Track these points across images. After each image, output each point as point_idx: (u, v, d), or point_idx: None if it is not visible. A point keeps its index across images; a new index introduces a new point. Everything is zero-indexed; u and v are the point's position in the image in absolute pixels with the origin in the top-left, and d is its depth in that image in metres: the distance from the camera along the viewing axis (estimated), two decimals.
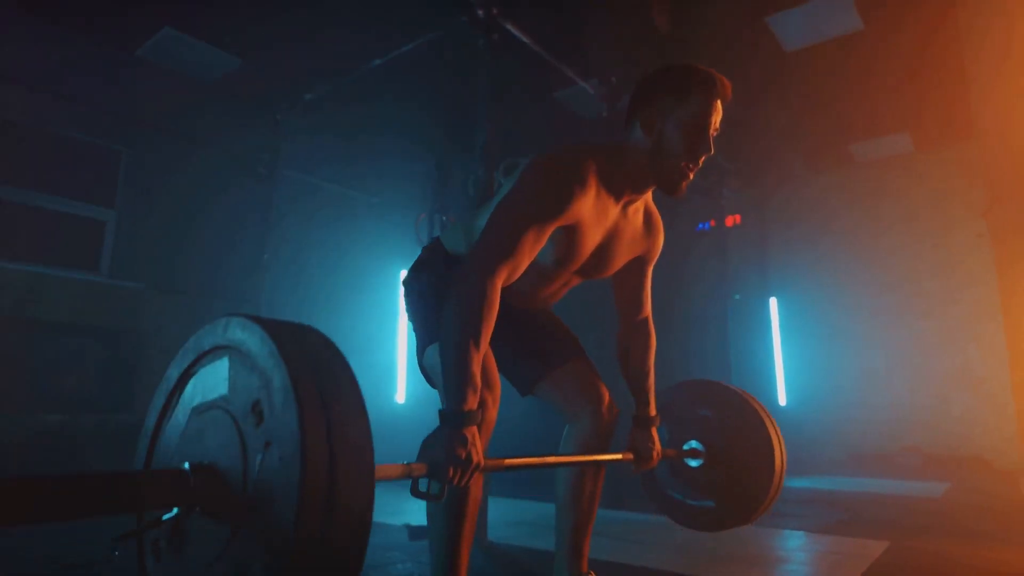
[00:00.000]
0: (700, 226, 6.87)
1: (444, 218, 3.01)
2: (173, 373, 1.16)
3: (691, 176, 1.35)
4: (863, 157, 6.55)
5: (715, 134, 1.34)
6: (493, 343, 1.51)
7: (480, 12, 3.08)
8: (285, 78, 4.37)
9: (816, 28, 4.52)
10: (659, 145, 1.33)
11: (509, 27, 3.21)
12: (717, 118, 1.34)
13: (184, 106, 4.90)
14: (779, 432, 1.79)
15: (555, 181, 1.30)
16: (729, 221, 6.50)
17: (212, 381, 1.07)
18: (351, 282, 5.60)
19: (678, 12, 4.06)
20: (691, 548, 2.64)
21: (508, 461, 1.27)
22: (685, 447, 1.84)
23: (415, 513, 3.42)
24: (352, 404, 0.94)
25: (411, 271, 1.61)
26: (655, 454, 1.65)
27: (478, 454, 1.18)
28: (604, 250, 1.49)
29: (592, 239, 1.43)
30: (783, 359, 6.49)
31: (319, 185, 5.88)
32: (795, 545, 2.73)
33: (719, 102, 1.34)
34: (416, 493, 1.18)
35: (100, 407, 4.60)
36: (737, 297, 5.97)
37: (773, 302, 6.61)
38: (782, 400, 6.35)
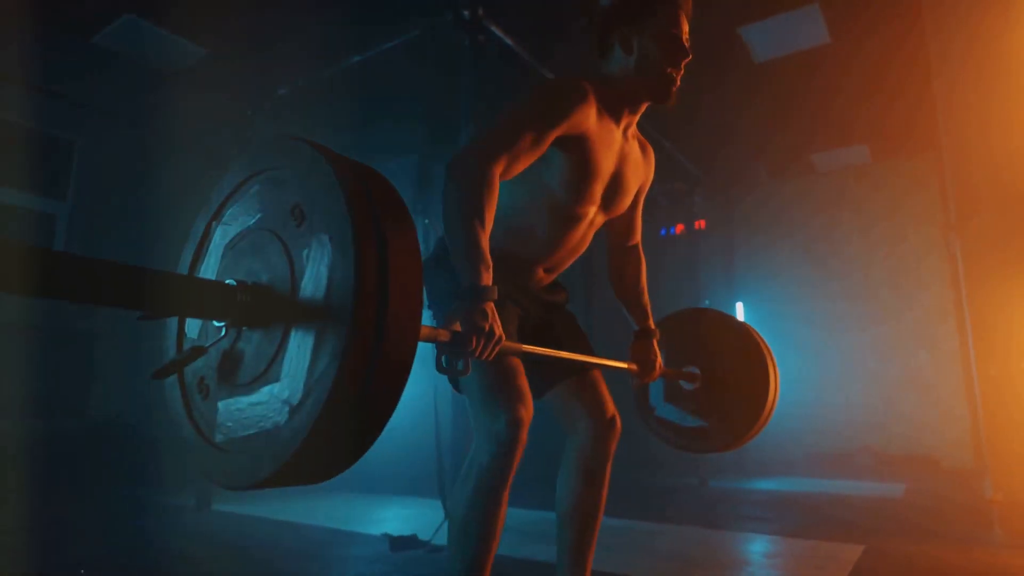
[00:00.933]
0: (663, 231, 6.98)
1: (427, 221, 2.93)
2: (199, 225, 1.11)
3: (678, 81, 1.47)
4: (823, 166, 6.75)
5: (687, 43, 1.46)
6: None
7: (466, 12, 3.03)
8: (257, 71, 4.22)
9: (786, 40, 4.62)
10: (642, 59, 1.45)
11: (493, 28, 3.17)
12: (685, 26, 1.47)
13: (145, 96, 4.69)
14: (774, 358, 1.85)
15: (556, 93, 1.37)
16: (696, 227, 6.61)
17: (242, 214, 1.04)
18: None
19: None
20: (674, 554, 2.66)
21: (526, 347, 1.29)
22: (683, 370, 1.89)
23: (392, 522, 3.35)
24: (394, 198, 0.93)
25: (431, 263, 1.52)
26: (657, 366, 1.69)
27: (499, 328, 1.18)
28: (619, 178, 1.53)
29: (605, 161, 1.47)
30: None
31: None
32: (774, 550, 2.78)
33: (682, 12, 1.47)
34: (440, 368, 1.18)
35: (49, 412, 4.37)
36: (708, 303, 6.07)
37: (739, 307, 6.75)
38: None
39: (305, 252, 0.90)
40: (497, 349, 1.19)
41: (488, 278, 1.20)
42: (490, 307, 1.18)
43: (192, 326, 1.07)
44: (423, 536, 2.78)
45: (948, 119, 3.01)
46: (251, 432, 0.90)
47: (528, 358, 1.36)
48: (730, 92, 5.20)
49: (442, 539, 2.69)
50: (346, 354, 0.81)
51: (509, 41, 3.26)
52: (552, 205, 1.46)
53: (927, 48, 3.92)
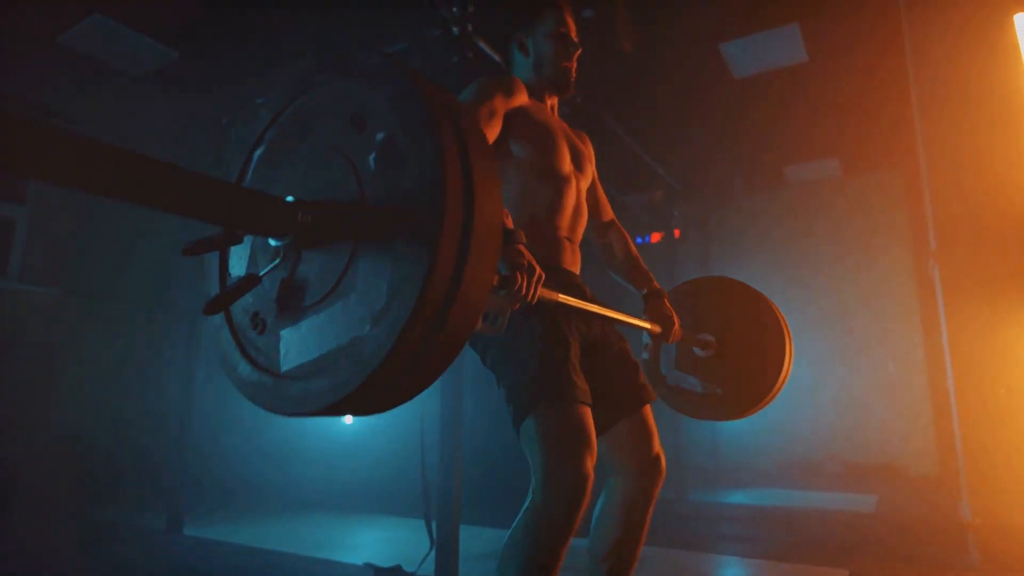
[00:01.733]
0: (640, 239, 7.02)
1: None
2: (238, 157, 1.04)
3: (573, 73, 1.66)
4: (795, 178, 6.87)
5: (576, 40, 1.65)
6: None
7: (455, 29, 2.98)
8: (232, 78, 4.08)
9: (764, 58, 4.68)
10: (538, 57, 1.65)
11: (482, 45, 3.12)
12: (572, 24, 1.66)
13: (112, 100, 4.50)
14: (788, 327, 1.88)
15: (495, 78, 1.55)
16: (673, 235, 6.67)
17: (290, 136, 0.98)
18: None
19: (640, 35, 4.11)
20: None
21: (561, 297, 1.32)
22: (698, 336, 1.88)
23: (374, 547, 3.28)
24: (461, 105, 0.90)
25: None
26: (676, 324, 1.71)
27: (536, 265, 1.22)
28: (571, 141, 1.67)
29: (551, 124, 1.61)
30: None
31: None
32: None
33: (567, 13, 1.65)
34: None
35: (7, 426, 4.17)
36: None
37: None
38: None
39: (371, 156, 0.85)
40: (539, 286, 1.21)
41: (511, 222, 1.30)
42: (523, 247, 1.22)
43: (236, 263, 1.01)
44: (408, 567, 2.72)
45: (929, 152, 3.05)
46: (326, 351, 0.85)
47: (562, 306, 1.35)
48: (709, 106, 5.25)
49: (428, 569, 2.63)
50: (436, 250, 0.76)
51: (498, 58, 3.22)
52: (537, 174, 1.55)
53: (904, 73, 4.00)
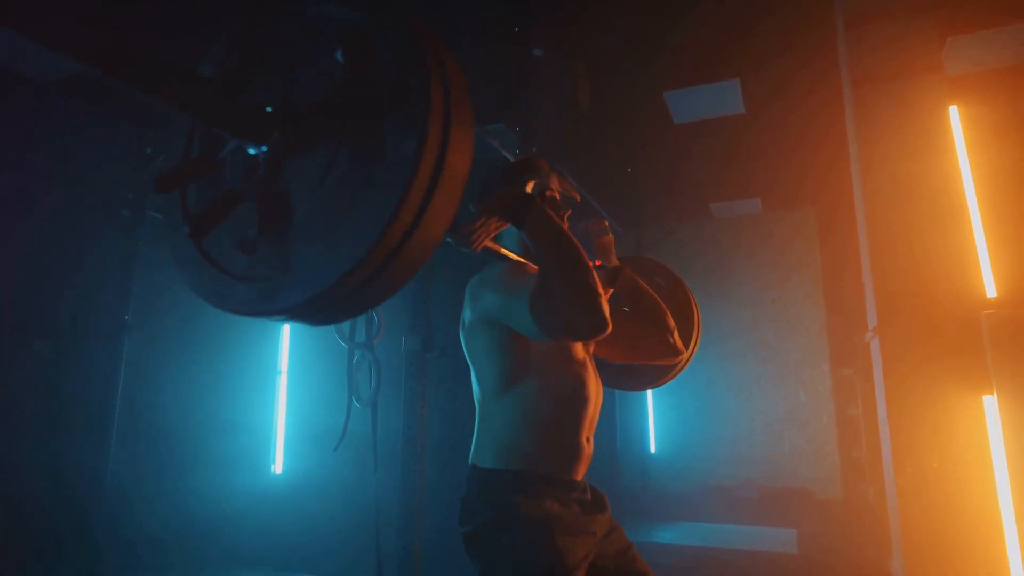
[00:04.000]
0: None
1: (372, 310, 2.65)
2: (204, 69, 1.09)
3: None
4: (720, 214, 7.16)
5: (560, 199, 1.67)
6: None
7: None
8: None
9: (704, 107, 4.87)
10: None
11: None
12: (556, 185, 1.67)
13: (13, 112, 3.99)
14: (698, 307, 2.14)
15: (511, 267, 1.50)
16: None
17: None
18: (226, 340, 4.88)
19: (590, 79, 4.13)
20: None
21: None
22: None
23: None
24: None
25: (470, 536, 1.40)
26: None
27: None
28: None
29: None
30: (654, 405, 6.90)
31: None
32: None
33: (550, 177, 1.66)
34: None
35: None
36: None
37: None
38: (652, 448, 6.74)
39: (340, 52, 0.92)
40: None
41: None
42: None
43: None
44: None
45: (873, 232, 3.17)
46: (304, 256, 0.89)
47: (570, 529, 1.33)
48: (647, 146, 5.41)
49: None
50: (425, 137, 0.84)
51: None
52: (555, 367, 1.41)
53: (835, 131, 4.24)
